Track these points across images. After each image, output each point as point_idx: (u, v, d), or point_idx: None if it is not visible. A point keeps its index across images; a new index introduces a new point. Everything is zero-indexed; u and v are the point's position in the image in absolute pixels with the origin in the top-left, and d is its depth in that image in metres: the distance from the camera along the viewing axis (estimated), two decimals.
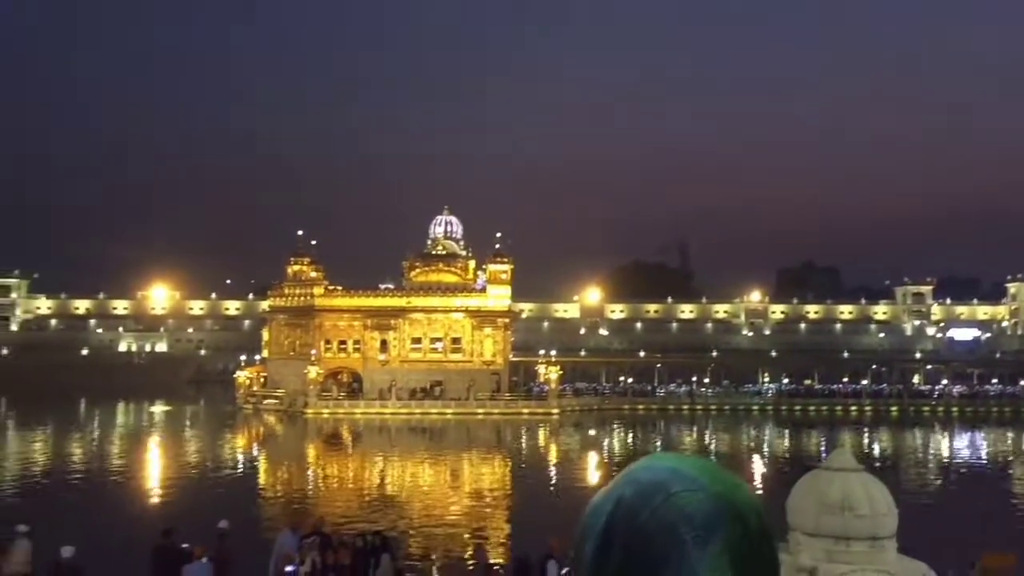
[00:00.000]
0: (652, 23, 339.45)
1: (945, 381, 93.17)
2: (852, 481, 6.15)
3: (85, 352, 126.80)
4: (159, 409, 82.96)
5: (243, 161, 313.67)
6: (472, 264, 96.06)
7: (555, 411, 78.55)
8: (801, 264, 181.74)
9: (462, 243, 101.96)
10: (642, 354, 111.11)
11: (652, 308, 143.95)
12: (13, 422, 74.91)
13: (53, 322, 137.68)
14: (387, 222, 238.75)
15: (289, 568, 13.66)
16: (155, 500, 37.43)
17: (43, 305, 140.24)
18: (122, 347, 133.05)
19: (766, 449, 63.48)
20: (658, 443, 65.13)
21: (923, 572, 5.96)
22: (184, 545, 14.05)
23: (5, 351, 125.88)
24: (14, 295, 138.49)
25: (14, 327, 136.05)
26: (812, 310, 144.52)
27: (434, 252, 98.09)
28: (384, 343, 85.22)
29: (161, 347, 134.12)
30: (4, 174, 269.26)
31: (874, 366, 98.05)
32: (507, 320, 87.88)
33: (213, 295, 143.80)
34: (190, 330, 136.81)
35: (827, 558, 5.93)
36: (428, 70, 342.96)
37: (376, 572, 14.76)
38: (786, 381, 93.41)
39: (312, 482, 45.84)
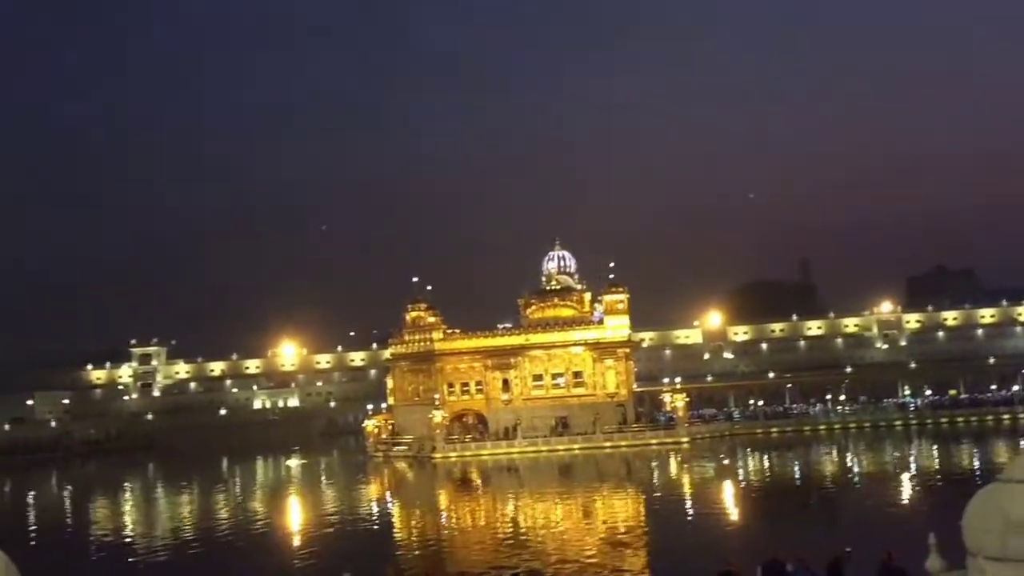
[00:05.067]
0: (758, 26, 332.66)
1: None
2: None
3: (223, 412, 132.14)
4: (295, 462, 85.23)
5: (354, 213, 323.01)
6: (588, 296, 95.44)
7: (685, 439, 76.71)
8: (933, 269, 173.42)
9: (576, 276, 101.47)
10: (771, 375, 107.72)
11: (777, 327, 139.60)
12: (161, 483, 78.33)
13: (192, 385, 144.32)
14: (500, 261, 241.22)
15: None
16: (297, 552, 38.10)
17: (182, 370, 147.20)
18: (256, 404, 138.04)
19: (914, 466, 59.98)
20: (796, 466, 62.51)
21: None
22: None
23: (150, 416, 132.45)
24: (155, 362, 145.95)
25: (156, 392, 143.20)
26: (950, 317, 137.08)
27: (549, 288, 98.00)
28: (506, 382, 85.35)
29: (293, 402, 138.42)
30: (125, 251, 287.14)
31: None
32: (627, 350, 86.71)
33: (339, 348, 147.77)
34: (319, 383, 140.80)
35: None
36: (522, 107, 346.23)
37: None
38: (928, 393, 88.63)
39: (446, 527, 45.84)
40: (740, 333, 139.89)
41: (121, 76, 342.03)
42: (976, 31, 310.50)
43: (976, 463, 58.58)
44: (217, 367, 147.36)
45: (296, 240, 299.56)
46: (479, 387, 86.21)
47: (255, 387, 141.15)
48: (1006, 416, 79.93)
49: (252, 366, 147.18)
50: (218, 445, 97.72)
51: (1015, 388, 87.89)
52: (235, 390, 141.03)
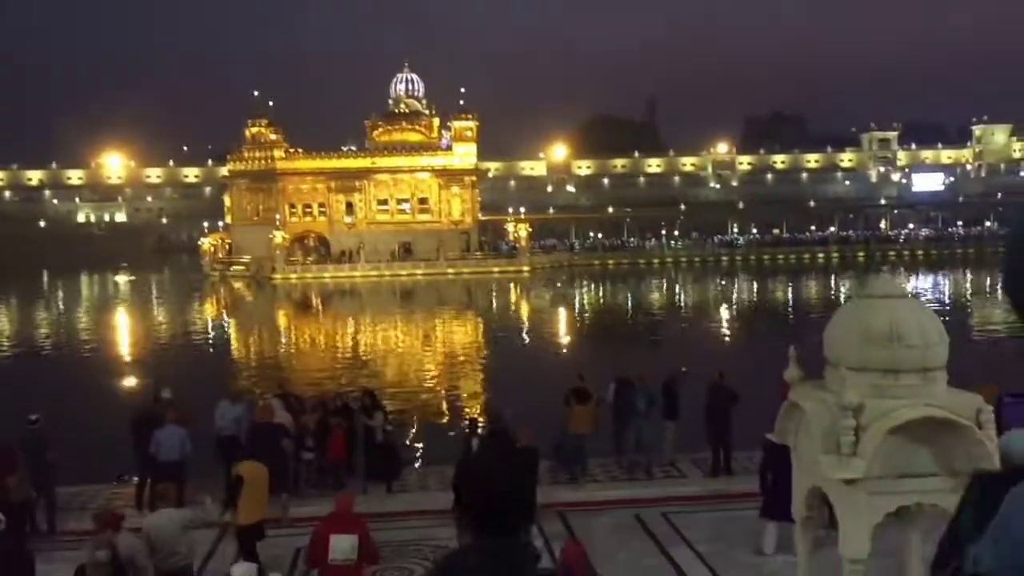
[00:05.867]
0: None
1: (911, 225, 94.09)
2: (899, 309, 5.45)
3: (42, 224, 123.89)
4: (123, 279, 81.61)
5: (193, 23, 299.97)
6: (436, 122, 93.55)
7: (525, 269, 78.40)
8: (768, 114, 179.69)
9: (424, 101, 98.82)
10: (610, 210, 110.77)
11: (619, 163, 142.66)
12: None
13: (6, 194, 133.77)
14: (346, 82, 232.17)
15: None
16: (124, 369, 36.83)
17: None
18: (80, 218, 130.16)
19: (736, 297, 64.00)
20: (628, 296, 65.40)
21: (977, 405, 5.33)
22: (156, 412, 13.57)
23: None
24: None
25: None
26: (779, 160, 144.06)
27: (396, 111, 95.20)
28: (350, 205, 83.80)
29: (120, 217, 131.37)
30: None
31: (841, 213, 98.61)
32: (474, 179, 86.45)
33: (171, 162, 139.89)
34: (149, 199, 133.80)
35: (874, 393, 5.29)
36: None
37: (366, 431, 14.30)
38: (755, 231, 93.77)
39: (284, 347, 45.45)
40: (583, 167, 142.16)
41: None
42: None
43: (790, 296, 63.19)
44: (35, 176, 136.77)
45: (127, 47, 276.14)
46: (322, 209, 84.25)
47: (78, 199, 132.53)
48: (821, 255, 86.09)
49: (75, 177, 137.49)
50: (37, 259, 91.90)
51: (831, 229, 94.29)
52: (55, 201, 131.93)
